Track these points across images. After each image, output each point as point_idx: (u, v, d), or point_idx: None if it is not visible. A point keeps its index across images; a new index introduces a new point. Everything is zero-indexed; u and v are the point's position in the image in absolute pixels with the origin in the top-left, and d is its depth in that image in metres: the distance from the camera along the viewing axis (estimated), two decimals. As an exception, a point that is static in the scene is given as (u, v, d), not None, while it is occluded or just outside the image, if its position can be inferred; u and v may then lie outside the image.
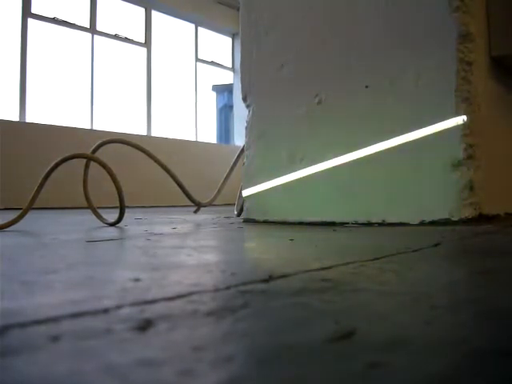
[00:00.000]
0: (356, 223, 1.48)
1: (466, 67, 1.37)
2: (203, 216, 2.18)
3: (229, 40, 7.12)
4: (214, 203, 2.20)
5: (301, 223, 1.58)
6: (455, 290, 0.49)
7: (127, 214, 1.65)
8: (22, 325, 0.34)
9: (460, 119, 1.35)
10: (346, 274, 0.57)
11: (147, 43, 5.97)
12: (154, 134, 5.93)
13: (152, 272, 0.60)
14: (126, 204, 1.59)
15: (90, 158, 1.70)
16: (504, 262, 0.68)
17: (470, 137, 1.35)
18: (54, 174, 1.58)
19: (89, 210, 1.78)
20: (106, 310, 0.39)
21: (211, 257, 0.81)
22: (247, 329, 0.34)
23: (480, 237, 1.05)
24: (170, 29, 6.33)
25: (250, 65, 1.80)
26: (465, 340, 0.31)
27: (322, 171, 1.59)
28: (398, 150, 1.45)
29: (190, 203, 2.07)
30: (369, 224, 1.46)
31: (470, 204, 1.33)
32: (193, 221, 1.85)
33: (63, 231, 1.44)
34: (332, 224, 1.51)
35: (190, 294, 0.45)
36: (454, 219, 1.33)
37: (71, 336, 0.32)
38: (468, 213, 1.33)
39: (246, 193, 1.77)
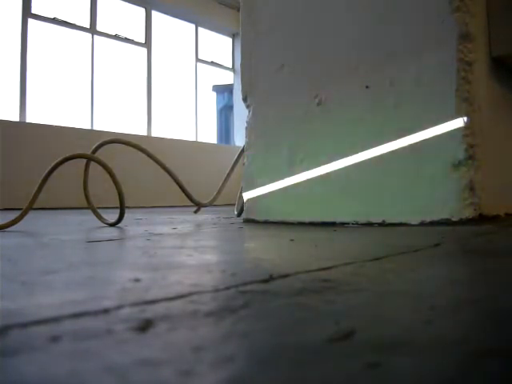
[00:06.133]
0: (356, 223, 1.48)
1: (466, 67, 1.37)
2: (203, 216, 2.18)
3: (229, 40, 7.12)
4: (214, 203, 2.20)
5: (301, 223, 1.58)
6: (455, 290, 0.49)
7: (127, 214, 1.65)
8: (22, 325, 0.34)
9: (460, 120, 1.35)
10: (346, 275, 0.57)
11: (147, 43, 5.97)
12: (154, 134, 5.94)
13: (152, 272, 0.60)
14: (126, 204, 1.59)
15: (90, 158, 1.70)
16: (504, 262, 0.68)
17: (470, 137, 1.35)
18: (54, 174, 1.58)
19: (89, 210, 1.78)
20: (106, 311, 0.39)
21: (211, 257, 0.81)
22: (247, 329, 0.34)
23: (480, 237, 1.05)
24: (170, 29, 6.33)
25: (250, 65, 1.80)
26: (465, 340, 0.31)
27: (322, 171, 1.59)
28: (398, 150, 1.45)
29: (190, 203, 2.07)
30: (369, 224, 1.46)
31: (470, 204, 1.33)
32: (193, 221, 1.85)
33: (63, 231, 1.44)
34: (332, 224, 1.51)
35: (190, 294, 0.45)
36: (454, 219, 1.33)
37: (71, 336, 0.32)
38: (468, 213, 1.33)
39: (246, 193, 1.77)
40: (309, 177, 1.62)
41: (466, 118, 1.35)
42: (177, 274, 0.58)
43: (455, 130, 1.36)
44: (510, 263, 0.68)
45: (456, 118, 1.36)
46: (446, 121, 1.37)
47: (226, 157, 4.21)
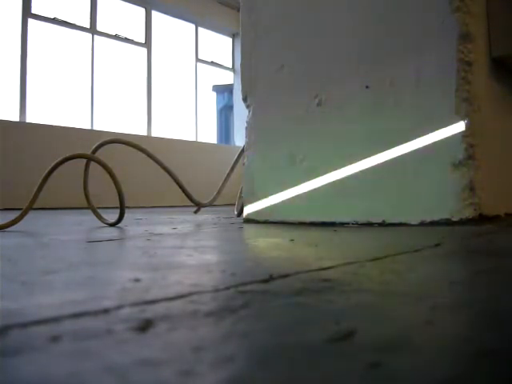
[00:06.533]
0: (356, 223, 1.48)
1: (466, 67, 1.37)
2: (203, 216, 2.18)
3: (229, 40, 7.12)
4: (215, 203, 2.20)
5: (301, 223, 1.58)
6: (455, 290, 0.49)
7: (127, 214, 1.65)
8: (22, 325, 0.34)
9: (460, 120, 1.35)
10: (347, 274, 0.57)
11: (147, 43, 5.97)
12: (154, 134, 5.94)
13: (152, 272, 0.60)
14: (126, 204, 1.59)
15: (90, 158, 1.70)
16: (504, 262, 0.68)
17: (470, 137, 1.35)
18: (54, 174, 1.58)
19: (89, 210, 1.78)
20: (106, 311, 0.39)
21: (211, 257, 0.81)
22: (247, 329, 0.34)
23: (480, 237, 1.05)
24: (170, 29, 6.33)
25: (250, 65, 1.80)
26: (465, 340, 0.31)
27: (322, 171, 1.59)
28: (398, 150, 1.45)
29: (190, 203, 2.07)
30: (369, 224, 1.46)
31: (470, 204, 1.33)
32: (193, 221, 1.85)
33: (63, 231, 1.44)
34: (332, 224, 1.51)
35: (190, 294, 0.45)
36: (454, 219, 1.33)
37: (71, 336, 0.32)
38: (468, 213, 1.33)
39: (246, 192, 1.77)
40: (309, 177, 1.62)
41: (466, 121, 1.35)
42: (177, 273, 0.58)
43: (455, 130, 1.36)
44: (510, 263, 0.68)
45: (456, 117, 1.36)
46: (446, 121, 1.37)
47: (226, 157, 4.20)
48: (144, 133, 5.86)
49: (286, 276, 0.55)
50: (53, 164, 1.57)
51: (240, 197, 1.90)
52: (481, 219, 1.34)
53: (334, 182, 1.56)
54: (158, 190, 4.97)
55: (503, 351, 0.28)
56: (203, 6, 6.42)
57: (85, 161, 1.78)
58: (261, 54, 1.77)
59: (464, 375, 0.25)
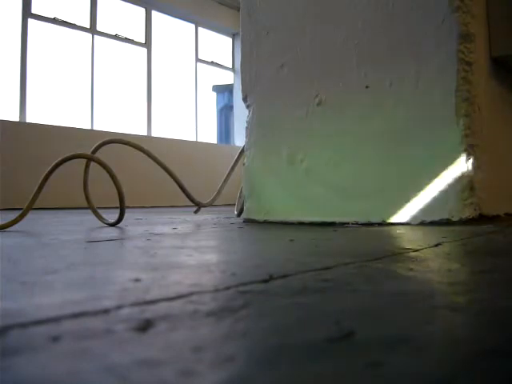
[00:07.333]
0: (356, 223, 1.48)
1: (467, 67, 1.37)
2: (203, 216, 2.18)
3: (229, 40, 7.12)
4: (215, 203, 2.20)
5: (301, 223, 1.58)
6: (455, 290, 0.49)
7: (127, 214, 1.65)
8: (23, 325, 0.34)
9: (460, 120, 1.35)
10: (346, 274, 0.57)
11: (147, 43, 5.97)
12: (154, 134, 5.94)
13: (152, 272, 0.60)
14: (126, 204, 1.59)
15: (90, 158, 1.70)
16: (504, 262, 0.68)
17: (470, 137, 1.35)
18: (54, 174, 1.58)
19: (89, 210, 1.78)
20: (106, 311, 0.39)
21: (211, 257, 0.81)
22: (247, 329, 0.34)
23: (480, 237, 1.05)
24: (170, 29, 6.33)
25: (250, 65, 1.80)
26: (465, 340, 0.31)
27: (322, 171, 1.59)
28: (398, 149, 1.45)
29: (190, 203, 2.07)
30: (369, 224, 1.46)
31: (470, 204, 1.33)
32: (193, 221, 1.85)
33: (63, 231, 1.44)
34: (332, 224, 1.51)
35: (190, 294, 0.45)
36: (454, 219, 1.33)
37: (71, 336, 0.32)
38: (468, 213, 1.33)
39: (246, 192, 1.77)
40: (309, 177, 1.62)
41: (465, 119, 1.35)
42: (177, 273, 0.58)
43: (455, 129, 1.36)
44: (510, 263, 0.68)
45: (456, 118, 1.36)
46: (446, 121, 1.37)
47: (226, 157, 4.21)
48: (144, 133, 5.86)
49: (285, 276, 0.55)
50: (53, 164, 1.57)
51: (240, 197, 1.90)
52: (481, 219, 1.34)
53: (333, 181, 1.56)
54: (158, 190, 4.97)
55: (503, 351, 0.28)
56: (203, 6, 6.42)
57: (85, 161, 1.78)
58: (261, 54, 1.77)
59: (464, 375, 0.25)
